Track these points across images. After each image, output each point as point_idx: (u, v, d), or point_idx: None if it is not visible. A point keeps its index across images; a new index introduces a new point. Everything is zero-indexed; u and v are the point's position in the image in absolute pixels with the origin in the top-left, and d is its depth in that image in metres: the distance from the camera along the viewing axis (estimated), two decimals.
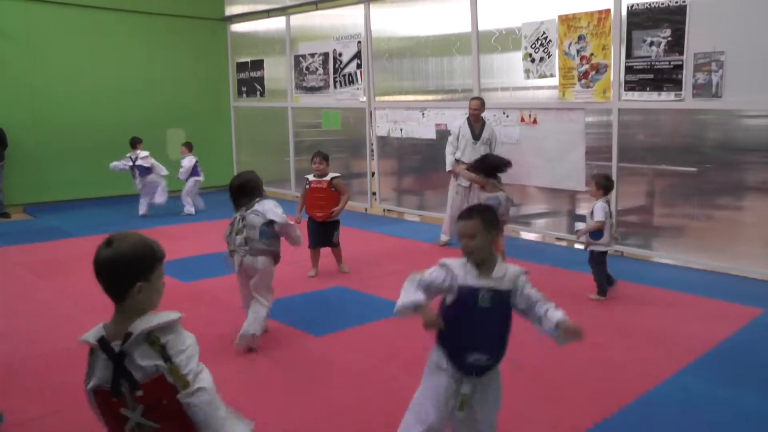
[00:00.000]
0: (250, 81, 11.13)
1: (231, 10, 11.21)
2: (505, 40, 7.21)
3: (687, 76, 5.71)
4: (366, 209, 9.29)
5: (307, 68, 9.81)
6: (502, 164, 5.58)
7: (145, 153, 8.64)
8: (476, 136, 6.71)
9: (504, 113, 7.28)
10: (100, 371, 1.76)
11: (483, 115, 6.83)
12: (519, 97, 7.22)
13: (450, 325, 2.31)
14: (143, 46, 10.45)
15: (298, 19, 9.97)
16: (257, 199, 4.04)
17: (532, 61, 6.93)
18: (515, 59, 7.10)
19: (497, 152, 6.72)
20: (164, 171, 8.75)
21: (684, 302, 4.91)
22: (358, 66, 9.00)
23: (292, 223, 4.10)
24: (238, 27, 11.34)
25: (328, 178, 5.63)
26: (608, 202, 4.97)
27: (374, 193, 9.23)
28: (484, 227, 2.30)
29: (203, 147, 9.33)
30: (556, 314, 2.27)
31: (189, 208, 8.96)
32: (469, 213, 2.37)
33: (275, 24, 10.40)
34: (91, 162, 9.93)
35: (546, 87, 6.89)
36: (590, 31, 6.38)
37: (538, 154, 6.99)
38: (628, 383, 3.46)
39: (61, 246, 7.10)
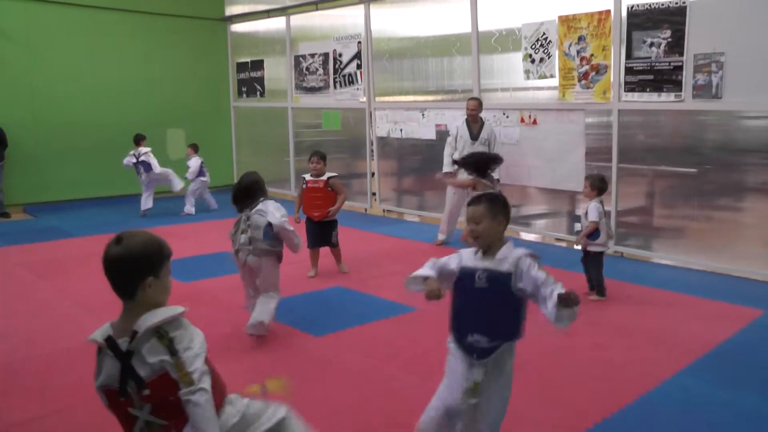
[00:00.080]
0: (250, 81, 11.13)
1: (231, 10, 11.21)
2: (505, 40, 7.21)
3: (687, 77, 5.71)
4: (366, 209, 9.29)
5: (307, 68, 9.81)
6: (491, 160, 5.22)
7: (146, 149, 8.67)
8: (474, 136, 6.72)
9: (504, 114, 7.28)
10: (107, 370, 1.78)
11: (483, 115, 6.83)
12: (519, 97, 7.22)
13: (453, 306, 2.44)
14: (143, 46, 10.45)
15: (298, 20, 9.98)
16: (261, 200, 4.09)
17: (532, 61, 6.94)
18: (515, 60, 7.11)
19: (497, 152, 6.72)
20: (158, 169, 8.75)
21: (684, 303, 4.91)
22: (358, 66, 9.00)
23: (292, 229, 4.11)
24: (238, 27, 11.34)
25: (324, 177, 5.63)
26: (602, 203, 4.97)
27: (374, 194, 9.23)
28: (490, 213, 2.36)
29: (203, 147, 9.33)
30: (558, 291, 2.24)
31: (189, 208, 8.95)
32: (477, 199, 2.43)
33: (275, 24, 10.40)
34: (91, 162, 9.94)
35: (546, 88, 6.89)
36: (590, 31, 6.39)
37: (538, 155, 6.99)
38: (628, 383, 3.46)
39: (61, 246, 7.10)
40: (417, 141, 8.42)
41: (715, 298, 4.98)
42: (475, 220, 2.38)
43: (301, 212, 5.69)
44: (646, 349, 3.95)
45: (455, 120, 7.29)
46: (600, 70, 6.36)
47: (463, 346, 2.41)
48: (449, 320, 2.49)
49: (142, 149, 8.66)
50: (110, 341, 1.77)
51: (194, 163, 8.94)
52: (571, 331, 3.98)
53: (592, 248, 4.93)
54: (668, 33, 5.79)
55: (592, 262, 4.96)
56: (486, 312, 2.37)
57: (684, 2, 5.66)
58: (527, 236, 7.46)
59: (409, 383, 3.49)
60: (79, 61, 9.83)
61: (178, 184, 8.91)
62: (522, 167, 7.13)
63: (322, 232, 5.65)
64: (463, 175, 5.88)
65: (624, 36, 6.11)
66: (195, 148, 9.07)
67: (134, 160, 8.64)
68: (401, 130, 8.60)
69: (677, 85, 5.79)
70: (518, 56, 7.06)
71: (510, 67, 7.22)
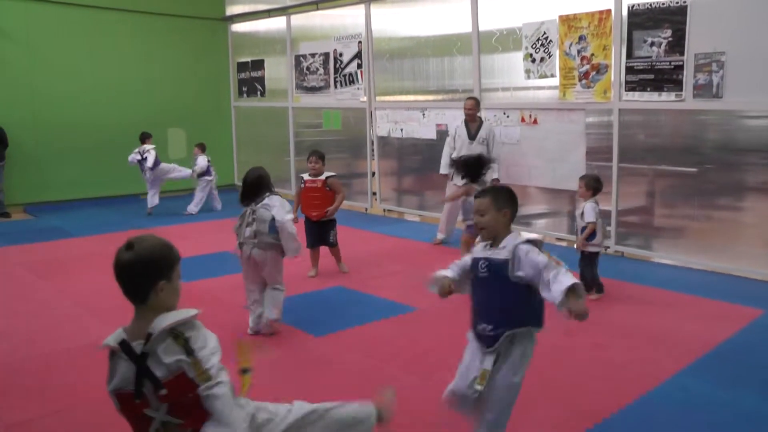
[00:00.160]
0: (251, 81, 11.13)
1: (231, 9, 11.21)
2: (506, 40, 7.21)
3: (687, 77, 5.71)
4: (366, 209, 9.29)
5: (308, 68, 9.81)
6: (481, 164, 5.08)
7: (151, 146, 8.69)
8: (472, 136, 6.71)
9: (504, 113, 7.27)
10: (121, 373, 1.80)
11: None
12: (519, 97, 7.22)
13: (471, 297, 2.52)
14: (143, 46, 10.44)
15: (299, 19, 9.97)
16: (267, 194, 4.15)
17: (533, 61, 6.93)
18: (516, 59, 7.10)
19: (496, 152, 6.73)
20: (159, 164, 8.77)
21: (684, 303, 4.90)
22: (359, 66, 9.00)
23: (293, 232, 4.13)
24: (238, 27, 11.34)
25: (323, 177, 5.62)
26: (597, 203, 4.98)
27: (374, 193, 9.23)
28: (494, 205, 2.44)
29: None
30: (565, 280, 2.23)
31: (192, 208, 8.99)
32: (482, 192, 2.53)
33: (276, 24, 10.40)
34: (92, 162, 9.94)
35: (546, 87, 6.89)
36: (591, 31, 6.38)
37: (538, 155, 6.99)
38: (628, 383, 3.46)
39: (62, 246, 7.10)
40: (417, 141, 8.42)
41: (715, 298, 4.97)
42: (480, 212, 2.44)
43: (299, 212, 5.69)
44: (646, 349, 3.95)
45: (456, 120, 7.29)
46: (600, 69, 6.36)
47: (476, 335, 2.48)
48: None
49: (147, 146, 8.69)
50: (124, 345, 1.79)
51: (201, 161, 8.98)
52: (571, 331, 3.98)
53: (588, 249, 4.94)
54: (669, 32, 5.78)
55: (587, 261, 4.96)
56: (488, 300, 2.44)
57: (685, 2, 5.66)
58: (527, 236, 7.43)
59: (409, 383, 3.49)
60: (79, 61, 9.82)
61: (186, 172, 8.99)
62: (522, 167, 7.12)
63: (320, 232, 5.65)
64: (458, 178, 5.82)
65: (625, 35, 6.10)
66: (202, 148, 9.12)
67: (139, 158, 8.69)
68: (402, 130, 8.59)
69: (678, 85, 5.78)
70: (519, 56, 7.06)
71: (510, 67, 7.22)
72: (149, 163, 8.60)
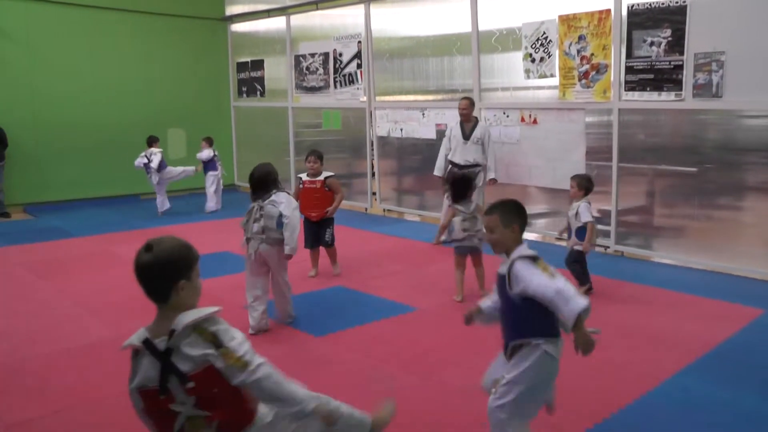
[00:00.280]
0: (251, 81, 11.12)
1: (231, 9, 11.21)
2: (506, 40, 7.21)
3: (687, 76, 5.71)
4: (366, 209, 9.29)
5: (308, 68, 9.81)
6: (462, 183, 4.98)
7: (158, 150, 8.70)
8: (466, 136, 6.72)
9: (504, 113, 7.27)
10: (144, 371, 1.82)
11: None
12: (519, 97, 7.22)
13: None
14: (143, 46, 10.45)
15: (299, 19, 9.97)
16: (274, 191, 4.23)
17: (533, 61, 6.93)
18: (515, 59, 7.10)
19: (491, 151, 6.74)
20: (164, 167, 8.77)
21: (684, 302, 4.90)
22: (359, 66, 9.00)
23: (297, 229, 4.21)
24: (238, 27, 11.34)
25: (321, 177, 5.62)
26: (589, 203, 4.99)
27: (374, 193, 9.23)
28: (502, 222, 2.48)
29: None
30: (578, 304, 2.29)
31: (211, 205, 9.11)
32: (490, 209, 2.56)
33: (275, 24, 10.39)
34: (92, 162, 9.95)
35: (546, 87, 6.89)
36: (590, 31, 6.38)
37: (538, 154, 6.99)
38: (628, 383, 3.46)
39: (61, 246, 7.10)
40: (417, 140, 8.42)
41: (715, 298, 4.97)
42: (490, 229, 2.51)
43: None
44: (646, 349, 3.95)
45: (455, 119, 7.29)
46: (600, 69, 6.35)
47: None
48: None
49: (154, 150, 8.69)
50: (147, 343, 1.82)
51: (206, 152, 9.08)
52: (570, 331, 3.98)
53: (578, 247, 4.96)
54: (668, 32, 5.78)
55: (575, 258, 4.98)
56: (502, 311, 2.53)
57: (684, 1, 5.65)
58: (528, 236, 7.43)
59: (409, 383, 3.49)
60: (79, 61, 9.83)
61: (190, 169, 9.06)
62: (522, 167, 7.13)
63: (318, 231, 5.65)
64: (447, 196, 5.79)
65: (624, 35, 6.10)
66: (209, 142, 9.22)
67: (145, 161, 8.66)
68: (401, 130, 8.59)
69: (677, 85, 5.78)
70: (518, 55, 7.06)
71: (510, 67, 7.22)
72: (154, 164, 8.60)
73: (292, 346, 4.08)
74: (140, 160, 8.69)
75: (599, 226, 5.77)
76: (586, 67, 6.45)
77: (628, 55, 6.10)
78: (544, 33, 6.78)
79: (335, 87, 9.40)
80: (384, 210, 9.08)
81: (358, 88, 9.07)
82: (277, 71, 10.51)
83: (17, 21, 9.29)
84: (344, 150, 9.66)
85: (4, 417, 3.16)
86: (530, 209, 7.33)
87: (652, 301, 4.96)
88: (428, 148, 8.23)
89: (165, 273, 1.83)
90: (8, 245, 7.13)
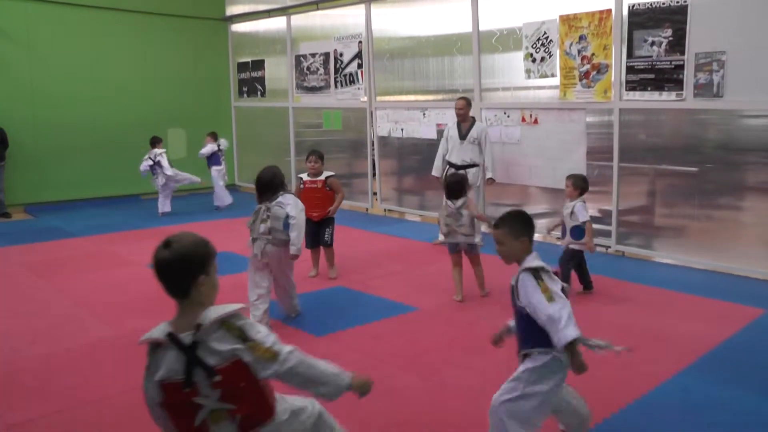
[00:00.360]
0: (251, 81, 11.13)
1: (232, 10, 11.21)
2: (506, 40, 7.20)
3: (688, 76, 5.70)
4: (367, 209, 9.29)
5: (308, 68, 9.81)
6: (457, 186, 5.09)
7: (161, 150, 8.70)
8: (462, 136, 6.71)
9: (505, 113, 7.27)
10: (167, 365, 1.83)
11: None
12: (520, 97, 7.21)
13: None
14: (144, 46, 10.45)
15: (299, 19, 9.97)
16: (281, 193, 4.29)
17: (533, 61, 6.93)
18: (516, 59, 7.10)
19: (488, 151, 6.73)
20: (170, 170, 8.76)
21: (685, 302, 4.90)
22: (359, 66, 8.99)
23: (303, 231, 4.27)
24: (238, 27, 11.34)
25: (322, 177, 5.63)
26: (585, 202, 5.00)
27: (375, 193, 9.23)
28: (511, 234, 2.52)
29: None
30: (566, 336, 2.31)
31: (219, 202, 9.14)
32: (499, 222, 2.59)
33: (276, 24, 10.40)
34: (92, 162, 9.95)
35: (547, 87, 6.88)
36: (591, 30, 6.38)
37: (539, 154, 6.98)
38: (628, 383, 3.45)
39: (62, 246, 7.10)
40: (418, 140, 8.41)
41: (715, 298, 4.97)
42: (499, 242, 2.54)
43: None
44: (646, 349, 3.94)
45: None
46: (601, 69, 6.35)
47: None
48: None
49: (158, 150, 8.67)
50: (172, 337, 1.84)
51: (208, 147, 9.12)
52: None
53: (574, 246, 4.96)
54: (669, 32, 5.78)
55: (569, 257, 4.99)
56: (515, 320, 2.57)
57: (685, 1, 5.65)
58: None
59: (409, 383, 3.49)
60: (79, 61, 9.83)
61: (196, 179, 9.07)
62: (523, 166, 7.12)
63: (318, 231, 5.65)
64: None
65: (625, 35, 6.10)
66: (214, 137, 9.27)
67: (151, 163, 8.62)
68: (402, 130, 8.59)
69: (678, 84, 5.78)
70: (519, 55, 7.05)
71: (511, 67, 7.21)
72: (165, 165, 8.58)
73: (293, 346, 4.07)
74: (145, 164, 8.64)
75: (594, 225, 5.76)
76: (587, 67, 6.45)
77: (629, 54, 6.10)
78: (545, 33, 6.78)
79: (336, 87, 9.40)
80: (385, 210, 9.08)
81: (358, 88, 9.07)
82: (277, 71, 10.52)
83: (17, 21, 9.30)
84: (345, 150, 9.66)
85: (4, 417, 3.16)
86: (531, 209, 7.35)
87: (652, 301, 4.95)
88: (429, 148, 8.22)
89: (185, 268, 1.85)
90: (8, 245, 7.13)
